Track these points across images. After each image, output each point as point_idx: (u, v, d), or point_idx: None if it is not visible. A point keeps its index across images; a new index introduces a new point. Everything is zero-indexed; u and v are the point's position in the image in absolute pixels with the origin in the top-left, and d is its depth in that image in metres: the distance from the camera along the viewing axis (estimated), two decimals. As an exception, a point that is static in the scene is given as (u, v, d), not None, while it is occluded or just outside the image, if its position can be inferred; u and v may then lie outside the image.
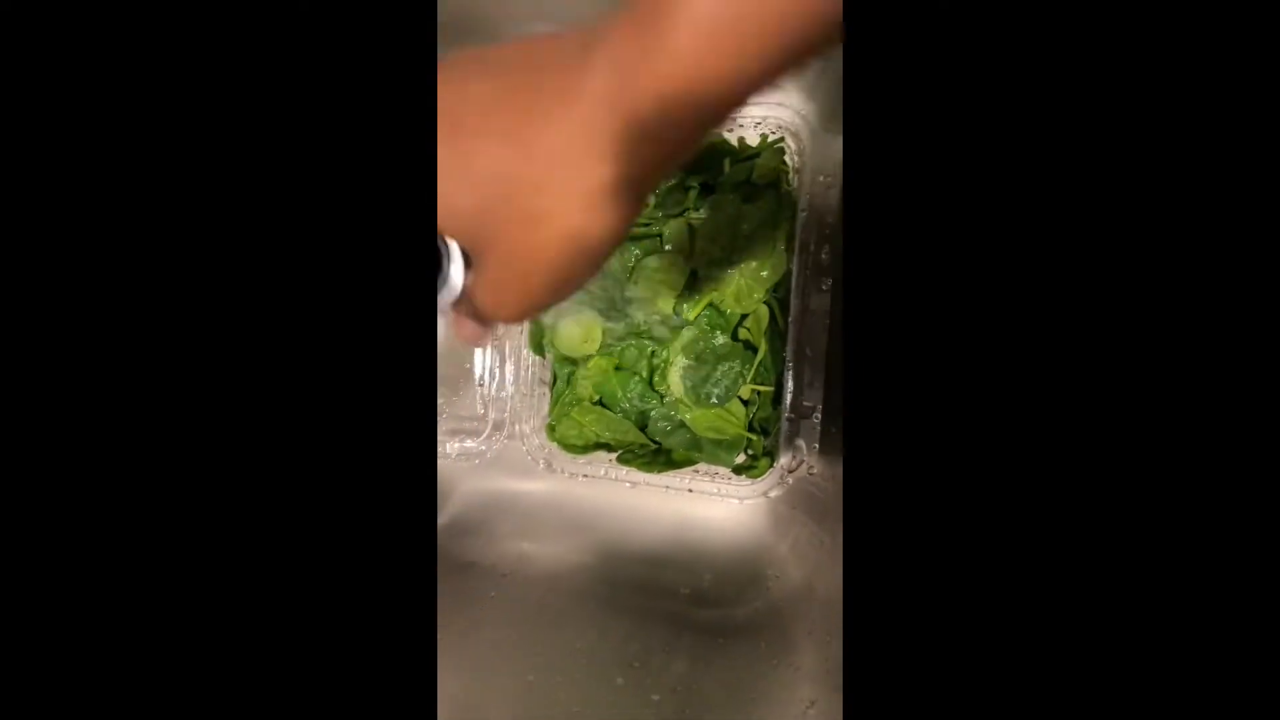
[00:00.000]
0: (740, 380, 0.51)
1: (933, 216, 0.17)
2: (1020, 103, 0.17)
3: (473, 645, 0.48)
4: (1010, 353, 0.17)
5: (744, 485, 0.52)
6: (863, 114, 0.17)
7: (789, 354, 0.50)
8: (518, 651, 0.47)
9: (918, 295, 0.17)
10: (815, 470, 0.50)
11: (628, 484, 0.53)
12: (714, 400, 0.51)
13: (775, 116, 0.50)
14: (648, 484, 0.53)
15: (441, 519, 0.59)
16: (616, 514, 0.56)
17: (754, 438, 0.51)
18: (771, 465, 0.52)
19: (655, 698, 0.38)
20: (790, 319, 0.49)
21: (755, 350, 0.51)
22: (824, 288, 0.49)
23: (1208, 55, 0.16)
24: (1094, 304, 0.17)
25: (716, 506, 0.54)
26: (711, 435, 0.52)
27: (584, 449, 0.55)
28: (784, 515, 0.52)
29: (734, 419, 0.52)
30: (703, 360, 0.51)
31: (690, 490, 0.53)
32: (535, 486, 0.58)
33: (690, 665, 0.42)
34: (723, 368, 0.51)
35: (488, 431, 0.58)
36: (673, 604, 0.50)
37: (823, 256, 0.48)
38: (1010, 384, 0.17)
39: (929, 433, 0.17)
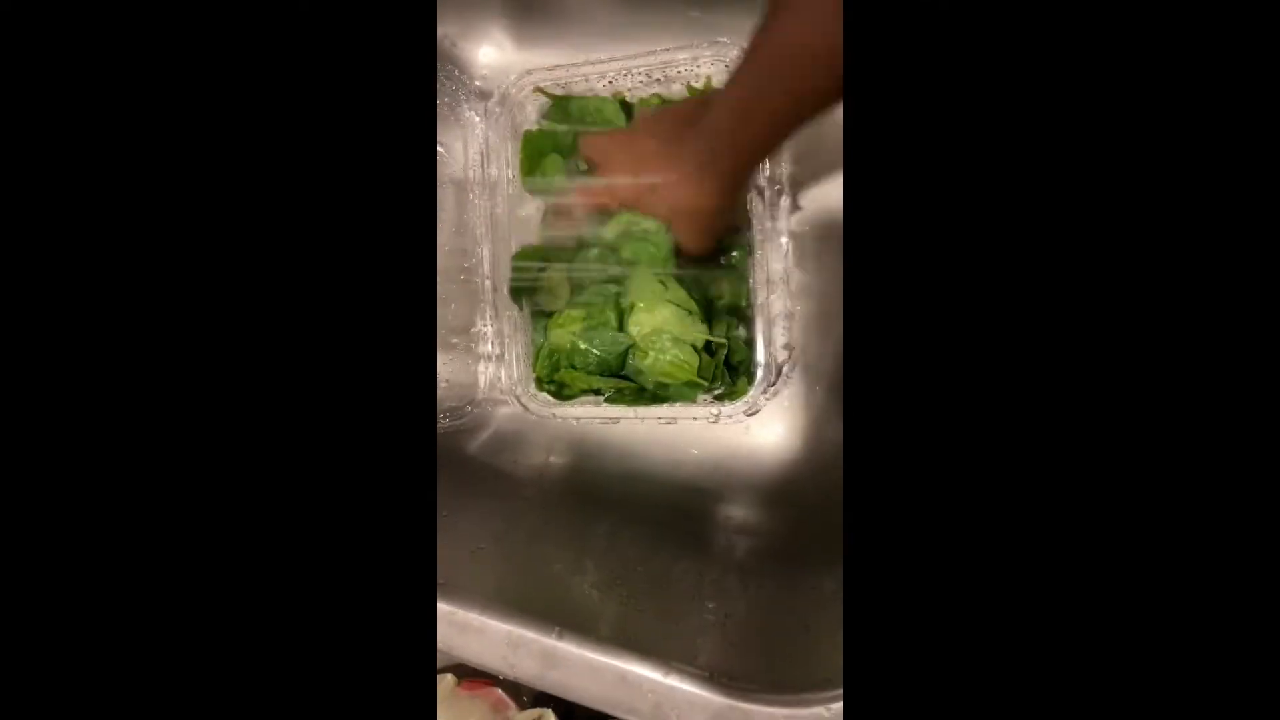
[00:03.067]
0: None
1: (930, 202, 0.18)
2: (1013, 97, 0.17)
3: (510, 538, 0.56)
4: (1006, 336, 0.18)
5: (737, 406, 0.58)
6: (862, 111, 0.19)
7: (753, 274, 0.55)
8: (549, 541, 0.57)
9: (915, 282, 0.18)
10: (798, 352, 0.56)
11: (627, 419, 0.61)
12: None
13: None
14: (646, 418, 0.60)
15: (482, 435, 0.71)
16: (627, 437, 0.64)
17: (706, 381, 0.57)
18: (751, 383, 0.58)
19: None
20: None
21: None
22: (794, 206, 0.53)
23: (1205, 53, 0.16)
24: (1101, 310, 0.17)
25: (718, 427, 0.60)
26: (665, 380, 0.58)
27: (572, 396, 0.62)
28: (787, 410, 0.59)
29: (686, 365, 0.57)
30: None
31: (694, 419, 0.59)
32: (561, 411, 0.65)
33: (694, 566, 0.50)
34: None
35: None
36: (691, 521, 0.58)
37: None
38: (1005, 364, 0.18)
39: (927, 400, 0.18)
